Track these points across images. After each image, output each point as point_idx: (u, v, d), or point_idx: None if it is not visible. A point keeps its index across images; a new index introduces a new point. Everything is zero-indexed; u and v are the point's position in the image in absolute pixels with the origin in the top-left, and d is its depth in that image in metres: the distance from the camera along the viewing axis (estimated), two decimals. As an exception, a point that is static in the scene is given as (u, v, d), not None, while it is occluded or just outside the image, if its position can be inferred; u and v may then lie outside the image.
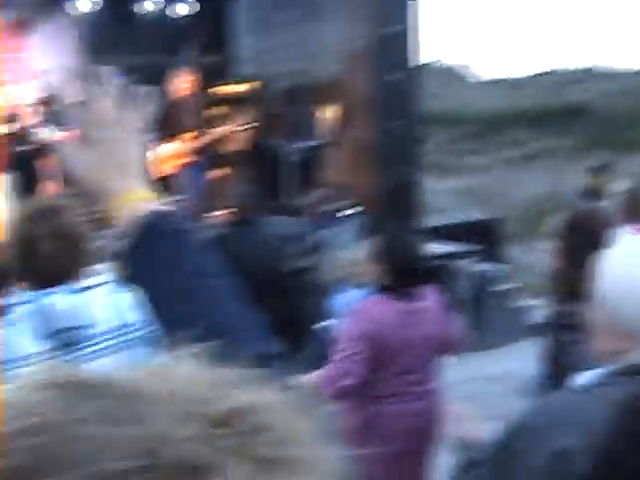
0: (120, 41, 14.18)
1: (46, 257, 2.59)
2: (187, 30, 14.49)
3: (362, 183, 9.98)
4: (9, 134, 9.66)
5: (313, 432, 0.63)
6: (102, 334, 2.64)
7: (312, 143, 12.27)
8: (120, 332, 2.66)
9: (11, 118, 9.75)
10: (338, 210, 8.78)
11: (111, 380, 0.62)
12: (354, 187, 9.76)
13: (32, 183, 9.85)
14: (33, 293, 2.59)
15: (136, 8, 13.87)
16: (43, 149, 10.24)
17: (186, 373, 0.63)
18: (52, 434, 0.56)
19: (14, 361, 2.46)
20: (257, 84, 12.80)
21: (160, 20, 14.17)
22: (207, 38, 14.74)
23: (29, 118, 10.48)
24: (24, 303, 2.56)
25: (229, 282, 1.41)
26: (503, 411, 2.26)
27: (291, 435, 0.60)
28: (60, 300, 2.58)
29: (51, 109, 11.87)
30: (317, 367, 4.52)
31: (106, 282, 2.71)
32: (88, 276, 2.73)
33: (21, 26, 13.67)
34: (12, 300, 2.61)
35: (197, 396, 0.61)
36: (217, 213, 11.00)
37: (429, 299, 4.70)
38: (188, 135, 9.90)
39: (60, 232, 2.64)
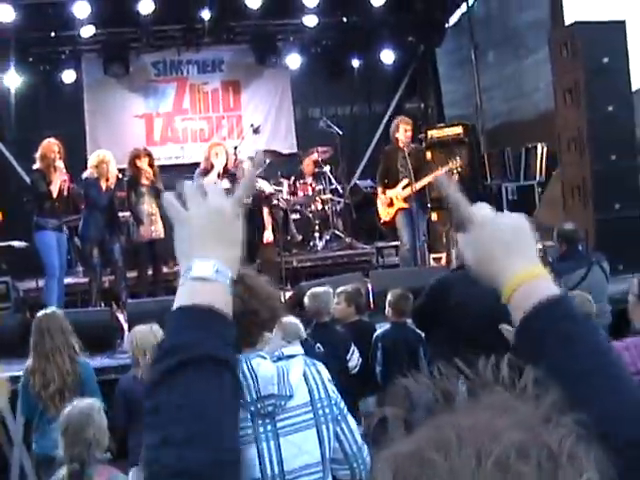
0: (331, 93, 14.59)
1: (238, 321, 2.58)
2: (393, 78, 14.67)
3: (581, 220, 9.56)
4: (230, 188, 10.04)
5: None
6: (299, 406, 2.58)
7: (527, 182, 11.97)
8: (314, 407, 2.59)
9: (231, 173, 10.16)
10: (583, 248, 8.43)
11: None
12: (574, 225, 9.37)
13: (253, 234, 10.19)
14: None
15: (344, 60, 14.15)
16: (263, 201, 10.59)
17: None
18: None
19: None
20: (466, 126, 12.67)
21: (368, 70, 14.40)
22: (414, 84, 14.86)
23: (242, 172, 10.88)
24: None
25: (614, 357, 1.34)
26: None
27: None
28: (263, 365, 2.53)
29: (267, 162, 12.30)
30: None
31: (300, 354, 2.69)
32: (283, 345, 2.71)
33: (235, 86, 14.36)
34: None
35: None
36: (438, 257, 10.94)
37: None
38: (405, 182, 9.92)
39: (250, 296, 2.63)
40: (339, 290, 6.65)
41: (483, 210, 1.41)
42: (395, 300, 6.27)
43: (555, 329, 1.28)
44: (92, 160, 9.75)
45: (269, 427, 2.52)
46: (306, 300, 6.26)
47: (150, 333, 5.14)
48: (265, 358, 2.57)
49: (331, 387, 2.68)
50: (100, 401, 4.97)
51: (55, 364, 5.32)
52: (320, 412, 2.60)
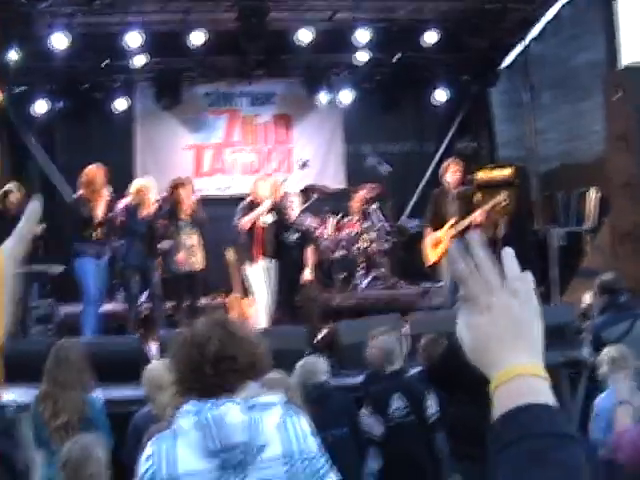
0: (382, 129, 14.48)
1: (214, 365, 2.47)
2: (446, 117, 14.51)
3: (631, 268, 9.26)
4: (276, 222, 9.99)
5: None
6: (272, 459, 2.43)
7: (577, 227, 11.70)
8: (292, 459, 2.43)
9: (277, 207, 10.08)
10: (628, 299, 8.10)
11: None
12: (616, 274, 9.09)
13: (296, 270, 10.10)
14: (200, 403, 2.47)
15: (396, 97, 14.04)
16: (307, 237, 10.50)
17: None
18: None
19: (179, 477, 2.33)
20: (517, 168, 12.45)
21: (420, 107, 14.27)
22: (466, 124, 14.68)
23: (293, 207, 10.81)
24: (191, 414, 2.44)
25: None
26: None
27: None
28: (231, 414, 2.41)
29: (313, 198, 12.22)
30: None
31: (279, 404, 2.54)
32: (260, 394, 2.56)
33: (286, 119, 14.34)
34: (181, 409, 2.49)
35: None
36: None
37: None
38: (452, 221, 9.77)
39: (229, 341, 2.52)
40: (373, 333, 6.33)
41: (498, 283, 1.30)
42: (426, 344, 6.06)
43: (516, 448, 1.17)
44: (132, 188, 9.79)
45: (238, 478, 2.36)
46: (372, 346, 5.95)
47: (166, 369, 5.02)
48: (236, 406, 2.42)
49: (312, 440, 2.51)
50: (108, 438, 4.88)
51: (68, 396, 5.24)
52: (298, 464, 2.43)
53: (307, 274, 10.12)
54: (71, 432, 4.92)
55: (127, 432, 5.25)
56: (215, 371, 2.49)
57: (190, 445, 2.37)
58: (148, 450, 2.44)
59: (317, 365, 5.49)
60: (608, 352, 5.58)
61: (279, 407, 2.50)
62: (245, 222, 9.68)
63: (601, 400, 5.58)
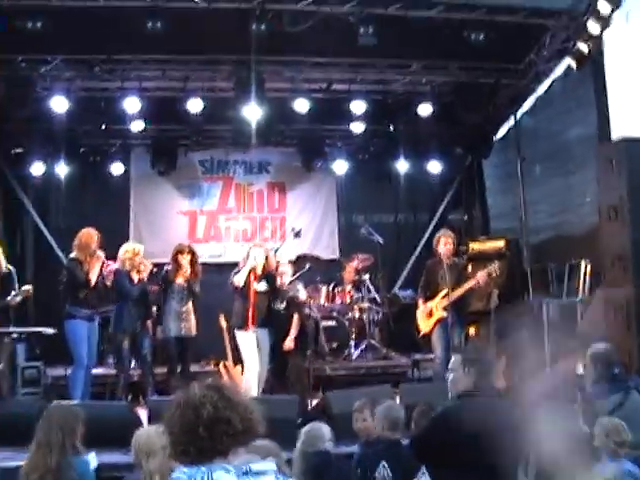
0: (376, 200, 14.58)
1: (208, 428, 2.46)
2: (439, 188, 14.63)
3: (623, 341, 9.24)
4: (268, 291, 9.99)
5: None
6: None
7: (569, 299, 11.70)
8: None
9: (270, 275, 10.08)
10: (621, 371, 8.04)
11: None
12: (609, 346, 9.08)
13: (284, 338, 10.09)
14: (193, 469, 2.46)
15: (390, 168, 14.18)
16: (293, 305, 10.47)
17: None
18: None
19: None
20: (509, 240, 12.51)
21: (414, 179, 14.39)
22: (459, 195, 14.80)
23: (286, 276, 10.81)
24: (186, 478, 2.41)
25: None
26: None
27: None
28: (224, 479, 2.41)
29: (305, 267, 12.21)
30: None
31: (272, 471, 2.52)
32: (251, 461, 2.55)
33: (280, 188, 14.43)
34: (174, 474, 2.46)
35: None
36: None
37: None
38: (444, 292, 9.79)
39: (224, 405, 2.52)
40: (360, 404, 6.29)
41: None
42: (418, 417, 5.99)
43: None
44: (123, 252, 9.79)
45: None
46: (379, 414, 5.84)
47: (155, 435, 4.96)
48: (229, 471, 2.39)
49: None
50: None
51: (55, 459, 5.17)
52: None
53: (289, 341, 10.12)
54: None
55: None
56: (209, 434, 2.49)
57: None
58: None
59: (322, 431, 5.44)
60: (602, 424, 5.50)
61: (272, 475, 2.49)
62: (238, 279, 9.63)
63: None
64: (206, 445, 2.49)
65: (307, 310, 11.05)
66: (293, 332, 10.19)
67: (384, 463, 5.40)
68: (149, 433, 5.10)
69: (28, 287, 9.46)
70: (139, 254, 9.77)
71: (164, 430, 2.62)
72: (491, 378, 4.94)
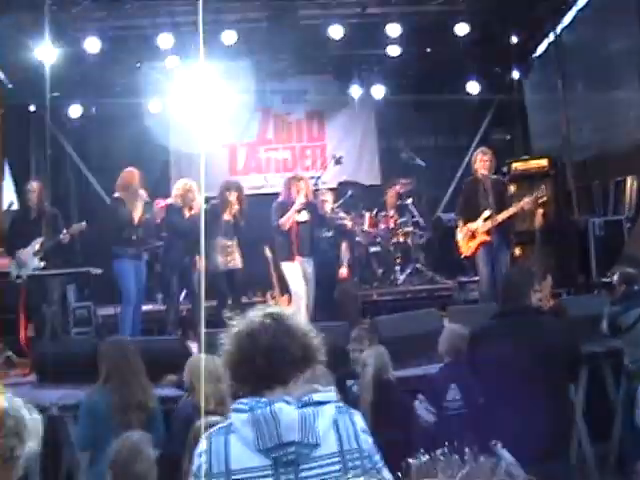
0: (415, 124, 14.41)
1: (266, 356, 2.47)
2: (479, 109, 14.41)
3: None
4: (310, 220, 9.99)
5: None
6: (326, 456, 2.40)
7: (615, 216, 11.57)
8: (345, 457, 2.41)
9: (310, 204, 10.08)
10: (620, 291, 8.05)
11: None
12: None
13: (332, 266, 10.12)
14: (254, 399, 2.46)
15: (428, 91, 13.96)
16: (341, 233, 10.49)
17: None
18: None
19: (233, 473, 2.33)
20: (552, 158, 12.31)
21: (453, 101, 14.15)
22: (500, 115, 14.57)
23: (327, 204, 10.80)
24: (245, 410, 2.43)
25: None
26: None
27: None
28: (285, 411, 2.40)
29: (347, 194, 12.20)
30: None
31: (333, 401, 2.53)
32: (312, 391, 2.55)
33: (318, 116, 14.35)
34: (234, 405, 2.50)
35: None
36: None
37: None
38: (486, 214, 9.66)
39: (282, 333, 2.52)
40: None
41: None
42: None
43: None
44: (176, 188, 9.84)
45: (292, 476, 2.36)
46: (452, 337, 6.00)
47: (209, 361, 5.07)
48: (289, 403, 2.42)
49: (365, 437, 2.49)
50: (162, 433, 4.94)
51: (138, 387, 5.32)
52: (349, 464, 2.41)
53: (343, 270, 10.12)
54: (136, 426, 4.94)
55: (171, 422, 5.35)
56: (267, 362, 2.49)
57: (244, 442, 2.37)
58: (202, 445, 2.45)
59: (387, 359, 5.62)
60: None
61: (333, 405, 2.49)
62: (284, 221, 9.69)
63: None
64: (265, 373, 2.50)
65: (356, 238, 11.06)
66: (345, 260, 10.21)
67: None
68: (203, 360, 5.23)
69: (81, 224, 9.59)
70: (191, 190, 9.80)
71: (223, 360, 2.64)
72: (526, 297, 4.99)
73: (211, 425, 2.61)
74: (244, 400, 2.46)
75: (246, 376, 2.55)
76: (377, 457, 2.49)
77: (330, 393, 2.57)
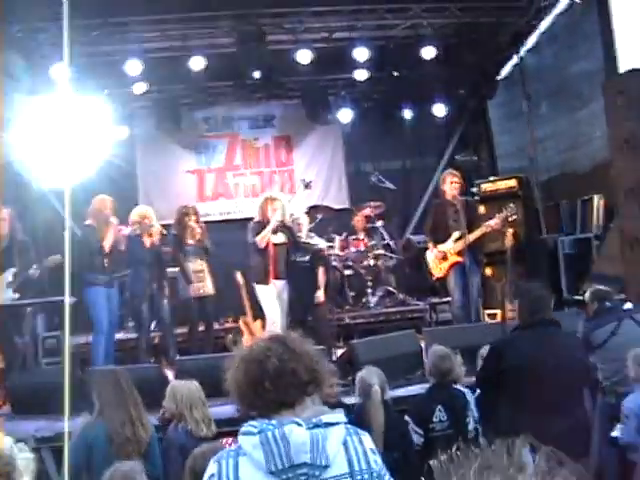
0: (382, 147, 14.48)
1: (274, 381, 2.46)
2: (445, 131, 14.55)
3: (636, 274, 9.26)
4: (286, 242, 9.98)
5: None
6: (336, 477, 2.40)
7: (583, 234, 11.69)
8: (355, 478, 2.40)
9: (286, 227, 10.06)
10: (616, 304, 8.12)
11: None
12: (628, 279, 9.09)
13: (308, 290, 10.09)
14: (265, 421, 2.45)
15: (395, 114, 14.08)
16: (318, 258, 10.47)
17: None
18: None
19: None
20: (520, 179, 12.45)
21: (420, 123, 14.27)
22: (466, 136, 14.72)
23: (302, 227, 10.79)
24: (255, 433, 2.42)
25: None
26: None
27: None
28: (295, 433, 2.39)
29: (317, 218, 12.20)
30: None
31: (342, 422, 2.53)
32: (321, 413, 2.54)
33: (286, 141, 14.37)
34: (243, 428, 2.49)
35: None
36: (493, 313, 10.69)
37: None
38: (456, 235, 9.72)
39: (289, 356, 2.51)
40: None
41: None
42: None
43: None
44: (133, 216, 9.77)
45: None
46: (436, 358, 5.99)
47: (194, 388, 5.02)
48: (300, 425, 2.40)
49: (374, 457, 2.49)
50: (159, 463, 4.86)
51: (136, 418, 5.22)
52: None
53: (320, 295, 10.11)
54: (134, 457, 4.85)
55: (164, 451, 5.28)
56: (275, 387, 2.49)
57: (254, 464, 2.35)
58: (211, 469, 2.43)
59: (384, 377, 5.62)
60: (634, 355, 5.72)
61: (342, 426, 2.49)
62: (260, 239, 9.66)
63: (630, 402, 5.62)
64: (272, 397, 2.49)
65: (331, 261, 11.07)
66: (322, 284, 10.19)
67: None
68: (189, 386, 5.18)
69: (55, 257, 9.41)
70: (147, 217, 9.74)
71: (229, 385, 2.62)
72: (546, 311, 5.15)
73: (213, 452, 2.59)
74: (254, 423, 2.44)
75: (253, 401, 2.54)
76: (387, 477, 2.49)
77: (339, 415, 2.56)
